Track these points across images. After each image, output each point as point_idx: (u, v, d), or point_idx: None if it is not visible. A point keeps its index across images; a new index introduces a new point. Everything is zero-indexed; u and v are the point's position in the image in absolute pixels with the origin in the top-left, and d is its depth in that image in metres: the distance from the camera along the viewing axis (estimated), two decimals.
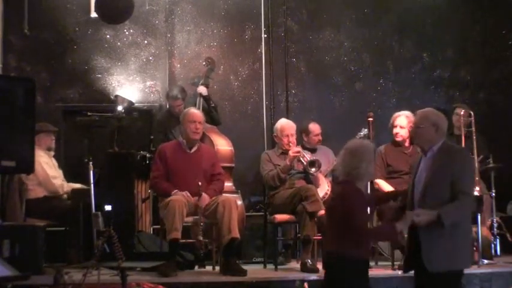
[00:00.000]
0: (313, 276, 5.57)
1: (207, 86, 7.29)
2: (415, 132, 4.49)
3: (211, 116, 7.11)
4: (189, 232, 6.35)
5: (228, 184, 6.64)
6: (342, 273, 4.19)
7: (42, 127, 6.61)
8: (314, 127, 7.06)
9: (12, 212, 6.40)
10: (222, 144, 6.85)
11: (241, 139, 7.37)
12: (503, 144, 7.76)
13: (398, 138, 6.30)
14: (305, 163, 6.32)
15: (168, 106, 7.41)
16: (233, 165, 6.90)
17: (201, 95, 7.19)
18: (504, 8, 8.43)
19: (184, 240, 5.98)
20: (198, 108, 6.93)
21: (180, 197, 5.74)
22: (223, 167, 6.44)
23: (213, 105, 7.21)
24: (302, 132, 7.05)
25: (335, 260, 4.22)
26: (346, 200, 4.22)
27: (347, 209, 4.18)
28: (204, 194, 5.83)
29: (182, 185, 5.89)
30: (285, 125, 6.50)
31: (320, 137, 7.06)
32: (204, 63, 7.59)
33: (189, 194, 5.81)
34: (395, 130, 6.41)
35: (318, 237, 6.19)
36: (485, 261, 6.05)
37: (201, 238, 5.70)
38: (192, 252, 6.24)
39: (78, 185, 6.68)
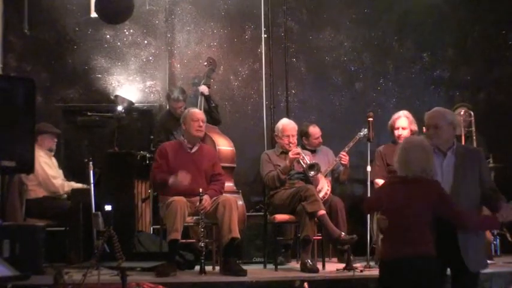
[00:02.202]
0: (313, 276, 5.57)
1: (208, 86, 7.28)
2: (434, 133, 4.37)
3: (212, 116, 7.12)
4: (189, 232, 6.36)
5: (229, 184, 6.64)
6: (431, 275, 4.03)
7: (46, 128, 6.61)
8: (314, 130, 7.08)
9: (12, 212, 6.40)
10: (224, 145, 6.85)
11: (241, 139, 7.37)
12: (503, 144, 7.76)
13: (402, 140, 6.19)
14: (304, 166, 6.32)
15: (168, 107, 7.40)
16: (234, 165, 6.90)
17: (202, 94, 7.19)
18: (504, 8, 8.42)
19: (184, 240, 5.99)
20: (200, 108, 6.96)
21: (182, 198, 5.74)
22: (225, 167, 6.44)
23: (213, 104, 7.22)
24: (302, 136, 7.06)
25: (423, 262, 4.02)
26: (439, 191, 4.11)
27: (444, 200, 4.09)
28: (204, 199, 5.81)
29: (182, 185, 5.89)
30: (287, 125, 6.49)
31: (320, 139, 7.09)
32: (205, 63, 7.59)
33: (185, 177, 5.82)
34: (397, 132, 6.37)
35: (318, 237, 6.19)
36: None
37: (202, 244, 5.68)
38: (193, 253, 6.24)
39: (78, 185, 6.69)
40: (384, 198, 4.31)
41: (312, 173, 6.28)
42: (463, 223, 4.15)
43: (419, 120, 6.15)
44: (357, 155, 7.06)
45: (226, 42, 8.24)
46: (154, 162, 6.13)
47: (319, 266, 6.00)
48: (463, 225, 4.16)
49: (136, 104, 7.82)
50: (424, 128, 4.52)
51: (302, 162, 6.34)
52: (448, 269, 4.36)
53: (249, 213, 7.05)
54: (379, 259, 4.51)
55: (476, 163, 4.33)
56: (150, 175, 6.25)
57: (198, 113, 6.21)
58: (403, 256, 4.04)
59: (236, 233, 5.72)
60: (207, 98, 7.20)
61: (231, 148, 6.90)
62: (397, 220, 4.14)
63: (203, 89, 7.22)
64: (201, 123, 6.10)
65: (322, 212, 6.00)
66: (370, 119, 6.46)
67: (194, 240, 6.11)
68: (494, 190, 4.36)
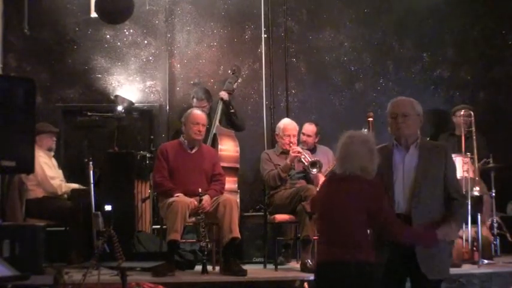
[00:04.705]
0: (313, 276, 5.56)
1: (229, 93, 7.14)
2: (403, 122, 4.01)
3: (232, 121, 7.07)
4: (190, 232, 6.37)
5: (232, 185, 6.63)
6: (365, 282, 3.68)
7: (44, 128, 6.61)
8: (307, 127, 6.98)
9: (12, 212, 6.40)
10: (226, 150, 6.79)
11: (241, 139, 7.36)
12: (503, 144, 7.76)
13: None
14: (306, 163, 6.32)
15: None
16: (238, 166, 6.86)
17: (221, 99, 7.07)
18: (504, 8, 8.42)
19: (184, 241, 5.99)
20: (217, 113, 6.93)
21: (184, 199, 5.74)
22: (225, 168, 6.43)
23: (232, 110, 7.07)
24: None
25: (355, 267, 3.67)
26: (374, 191, 3.78)
27: (376, 205, 3.74)
28: (204, 199, 5.80)
29: (183, 185, 5.89)
30: (288, 125, 6.50)
31: (313, 138, 6.98)
32: (229, 71, 7.50)
33: (195, 202, 5.79)
34: None
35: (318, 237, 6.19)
36: (485, 261, 6.05)
37: (203, 244, 5.68)
38: (193, 252, 6.25)
39: (76, 185, 6.68)
40: (319, 197, 4.03)
41: (314, 170, 6.27)
42: (391, 233, 3.81)
43: None
44: None
45: (226, 42, 8.24)
46: (158, 164, 6.11)
47: None
48: (392, 236, 3.82)
49: (136, 104, 7.82)
50: (389, 118, 4.12)
51: (304, 160, 6.34)
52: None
53: (249, 213, 7.05)
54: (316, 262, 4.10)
55: (441, 160, 4.01)
56: (154, 177, 6.19)
57: (198, 116, 6.11)
58: (334, 260, 3.73)
59: (237, 233, 5.72)
60: (226, 104, 7.06)
61: (235, 154, 6.85)
62: (329, 220, 3.83)
63: (222, 94, 7.09)
64: (201, 128, 6.04)
65: None
66: (370, 119, 6.46)
67: (195, 240, 6.12)
68: (458, 193, 4.08)
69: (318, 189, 4.90)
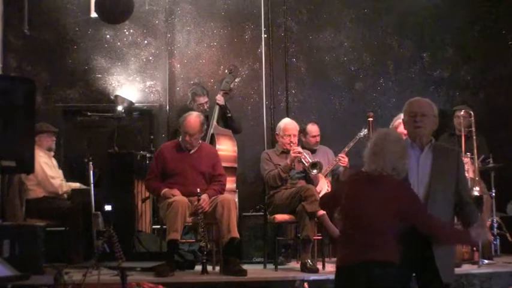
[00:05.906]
0: (313, 276, 5.57)
1: (226, 93, 7.09)
2: (421, 121, 3.99)
3: (230, 125, 7.04)
4: (190, 232, 6.37)
5: (230, 185, 6.63)
6: (391, 284, 3.64)
7: (43, 127, 6.61)
8: (311, 128, 7.03)
9: (12, 212, 6.40)
10: (224, 150, 6.77)
11: (241, 139, 7.37)
12: (503, 144, 7.76)
13: None
14: (306, 164, 6.31)
15: (194, 107, 7.05)
16: (235, 165, 6.86)
17: (217, 104, 7.02)
18: (504, 8, 8.43)
19: (184, 241, 5.98)
20: (213, 117, 6.90)
21: (183, 198, 5.73)
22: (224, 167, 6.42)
23: (229, 114, 7.02)
24: (300, 133, 7.05)
25: (383, 269, 3.62)
26: (410, 196, 3.75)
27: (415, 206, 3.72)
28: (202, 198, 5.79)
29: (181, 185, 5.88)
30: (289, 124, 6.50)
31: (318, 138, 7.03)
32: (226, 70, 7.49)
33: (178, 192, 5.80)
34: None
35: (318, 237, 6.19)
36: (485, 261, 6.05)
37: (203, 244, 5.68)
38: (192, 252, 6.25)
39: (77, 185, 6.68)
40: (345, 196, 3.88)
41: (315, 171, 6.27)
42: (435, 234, 3.79)
43: None
44: (357, 155, 7.05)
45: (226, 42, 8.25)
46: (150, 165, 6.11)
47: (319, 266, 6.00)
48: (435, 237, 3.79)
49: (136, 104, 7.82)
50: (406, 117, 4.09)
51: (304, 161, 6.33)
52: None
53: (249, 213, 7.05)
54: (336, 265, 3.96)
55: (454, 164, 4.02)
56: (145, 179, 6.20)
57: (189, 126, 5.96)
58: (360, 262, 3.64)
59: (235, 233, 5.72)
60: (222, 108, 7.00)
61: (233, 154, 6.84)
62: (357, 222, 3.73)
63: (218, 99, 7.01)
64: (187, 138, 5.95)
65: (322, 212, 5.99)
66: (370, 119, 6.46)
67: (194, 240, 6.12)
68: (469, 197, 4.13)
69: (337, 186, 4.77)
